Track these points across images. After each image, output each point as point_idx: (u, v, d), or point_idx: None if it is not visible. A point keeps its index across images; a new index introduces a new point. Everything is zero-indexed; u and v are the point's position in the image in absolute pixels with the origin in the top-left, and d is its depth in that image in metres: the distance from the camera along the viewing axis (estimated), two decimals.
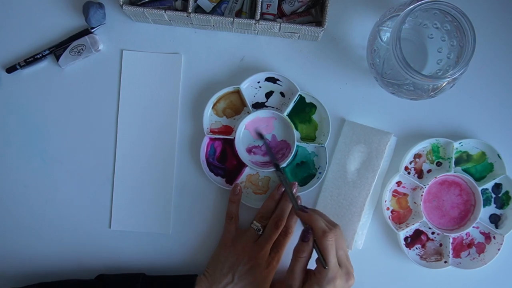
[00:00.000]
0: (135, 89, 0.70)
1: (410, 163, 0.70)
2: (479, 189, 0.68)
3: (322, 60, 0.70)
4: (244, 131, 0.70)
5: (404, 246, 0.69)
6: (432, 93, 0.61)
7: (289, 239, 0.66)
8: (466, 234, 0.70)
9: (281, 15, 0.69)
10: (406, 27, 0.57)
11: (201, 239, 0.71)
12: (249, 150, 0.70)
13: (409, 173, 0.70)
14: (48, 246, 0.71)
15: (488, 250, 0.69)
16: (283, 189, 0.67)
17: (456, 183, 0.70)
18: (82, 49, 0.69)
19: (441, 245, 0.70)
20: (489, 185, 0.70)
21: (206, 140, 0.69)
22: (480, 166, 0.70)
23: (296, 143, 0.68)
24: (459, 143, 0.69)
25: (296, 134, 0.69)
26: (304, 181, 0.70)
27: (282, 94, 0.70)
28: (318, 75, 0.70)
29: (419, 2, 0.57)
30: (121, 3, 0.64)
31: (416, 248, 0.70)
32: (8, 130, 0.71)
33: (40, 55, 0.70)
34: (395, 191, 0.70)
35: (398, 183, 0.70)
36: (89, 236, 0.71)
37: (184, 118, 0.71)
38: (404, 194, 0.70)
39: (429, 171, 0.70)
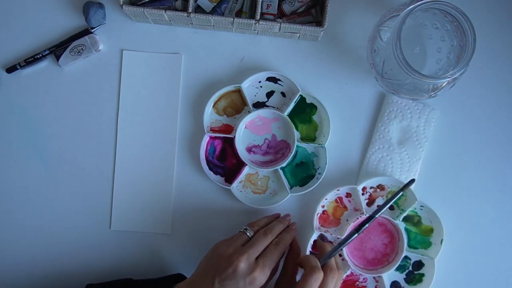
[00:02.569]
0: (135, 89, 0.70)
1: (371, 188, 0.69)
2: (404, 254, 0.67)
3: (322, 60, 0.70)
4: (244, 130, 0.70)
5: (310, 245, 0.68)
6: (432, 93, 0.61)
7: (279, 251, 0.61)
8: (364, 278, 0.69)
9: (281, 15, 0.69)
10: (406, 27, 0.57)
11: (201, 239, 0.71)
12: (249, 149, 0.70)
13: (363, 194, 0.69)
14: (48, 246, 0.71)
15: None
16: (280, 214, 0.68)
17: (391, 233, 0.69)
18: (82, 49, 0.69)
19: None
20: (414, 257, 0.69)
21: (206, 139, 0.69)
22: (421, 238, 0.69)
23: (296, 143, 0.68)
24: (421, 206, 0.68)
25: (296, 134, 0.69)
26: (303, 182, 0.70)
27: (283, 94, 0.70)
28: (318, 75, 0.70)
29: (419, 2, 0.57)
30: (121, 3, 0.64)
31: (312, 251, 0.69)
32: (8, 130, 0.71)
33: (40, 55, 0.70)
34: (340, 198, 0.69)
35: (348, 195, 0.69)
36: (89, 236, 0.71)
37: (184, 118, 0.71)
38: (345, 207, 0.69)
39: (378, 206, 0.67)
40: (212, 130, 0.70)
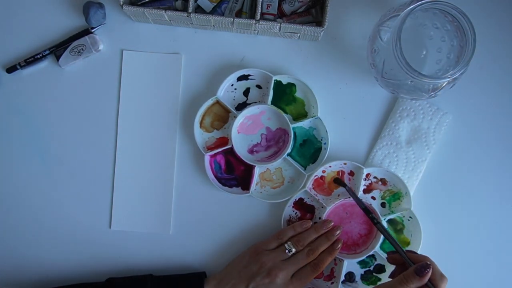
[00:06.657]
0: (135, 89, 0.70)
1: (374, 177, 0.69)
2: (372, 251, 0.68)
3: (322, 60, 0.70)
4: (238, 135, 0.70)
5: (292, 202, 0.69)
6: (432, 93, 0.61)
7: (315, 274, 0.65)
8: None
9: (281, 15, 0.69)
10: (407, 27, 0.57)
11: (202, 239, 0.71)
12: (251, 151, 0.70)
13: (365, 179, 0.69)
14: (48, 246, 0.71)
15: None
16: (330, 225, 0.67)
17: (371, 228, 0.69)
18: (82, 49, 0.69)
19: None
20: (380, 259, 0.69)
21: (207, 159, 0.69)
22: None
23: (291, 126, 0.68)
24: (409, 217, 0.68)
25: (287, 117, 0.69)
26: (314, 157, 0.70)
27: (258, 86, 0.70)
28: (318, 75, 0.70)
29: (419, 2, 0.57)
30: (121, 3, 0.64)
31: (294, 210, 0.70)
32: (8, 130, 0.71)
33: (40, 55, 0.70)
34: (342, 172, 0.69)
35: (351, 173, 0.69)
36: (89, 236, 0.71)
37: (184, 117, 0.71)
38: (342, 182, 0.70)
39: (373, 197, 0.69)
40: (209, 148, 0.70)
